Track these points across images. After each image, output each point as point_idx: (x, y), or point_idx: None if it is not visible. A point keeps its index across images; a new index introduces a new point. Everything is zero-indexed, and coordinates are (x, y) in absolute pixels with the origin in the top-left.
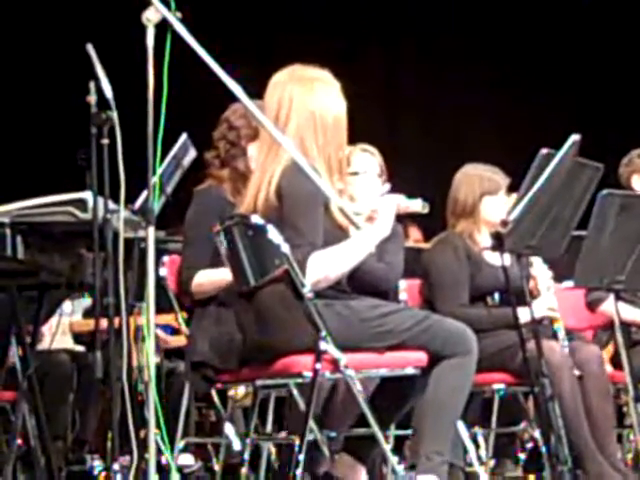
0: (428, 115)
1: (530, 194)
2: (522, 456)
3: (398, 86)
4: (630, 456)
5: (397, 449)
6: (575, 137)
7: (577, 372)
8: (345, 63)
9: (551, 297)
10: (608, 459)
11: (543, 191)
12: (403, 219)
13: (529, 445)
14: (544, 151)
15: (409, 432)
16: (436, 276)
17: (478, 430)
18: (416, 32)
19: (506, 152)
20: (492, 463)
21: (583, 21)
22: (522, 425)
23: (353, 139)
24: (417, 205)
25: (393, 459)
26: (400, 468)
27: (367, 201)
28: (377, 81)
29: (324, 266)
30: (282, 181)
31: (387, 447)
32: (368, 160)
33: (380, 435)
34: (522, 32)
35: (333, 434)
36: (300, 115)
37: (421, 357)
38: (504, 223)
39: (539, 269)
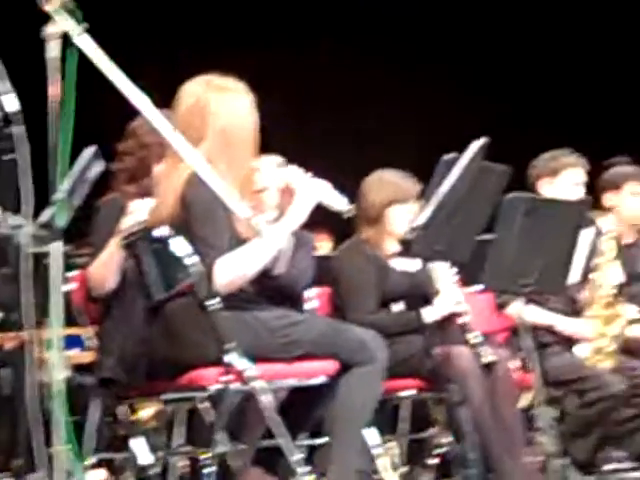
0: (341, 119)
1: (436, 199)
2: (434, 462)
3: (311, 91)
4: (540, 459)
5: (311, 458)
6: (481, 141)
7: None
8: (255, 70)
9: (456, 291)
10: (517, 463)
11: (450, 196)
12: (313, 226)
13: (440, 451)
14: (447, 156)
15: (321, 441)
16: (344, 283)
17: (389, 437)
18: (332, 33)
19: (421, 157)
20: (404, 470)
21: (493, 26)
22: (432, 431)
23: (263, 149)
24: (342, 203)
25: (301, 469)
26: (311, 478)
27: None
28: (289, 86)
29: (234, 268)
30: (186, 190)
31: (295, 458)
32: (277, 173)
33: (287, 446)
34: (438, 36)
35: (242, 446)
36: (214, 129)
37: (329, 366)
38: (411, 228)
39: (441, 268)
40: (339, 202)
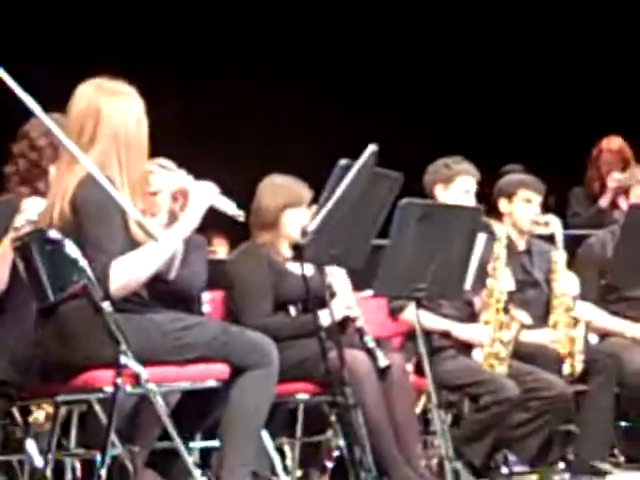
0: (231, 125)
1: (329, 204)
2: (329, 465)
3: (201, 95)
4: (435, 462)
5: (206, 461)
6: (372, 147)
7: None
8: (140, 76)
9: (348, 296)
10: (413, 466)
11: (342, 201)
12: (208, 230)
13: (335, 454)
14: (343, 161)
15: (216, 444)
16: (239, 287)
17: (284, 440)
18: (222, 41)
19: (313, 163)
20: (299, 473)
21: (384, 35)
22: (328, 435)
23: (153, 154)
24: (231, 208)
25: (196, 472)
26: None
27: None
28: (179, 92)
29: (128, 271)
30: (76, 193)
31: (190, 460)
32: (177, 175)
33: (182, 448)
34: (330, 43)
35: (136, 448)
36: (106, 132)
37: (223, 369)
38: (304, 233)
39: (335, 273)
40: (229, 206)
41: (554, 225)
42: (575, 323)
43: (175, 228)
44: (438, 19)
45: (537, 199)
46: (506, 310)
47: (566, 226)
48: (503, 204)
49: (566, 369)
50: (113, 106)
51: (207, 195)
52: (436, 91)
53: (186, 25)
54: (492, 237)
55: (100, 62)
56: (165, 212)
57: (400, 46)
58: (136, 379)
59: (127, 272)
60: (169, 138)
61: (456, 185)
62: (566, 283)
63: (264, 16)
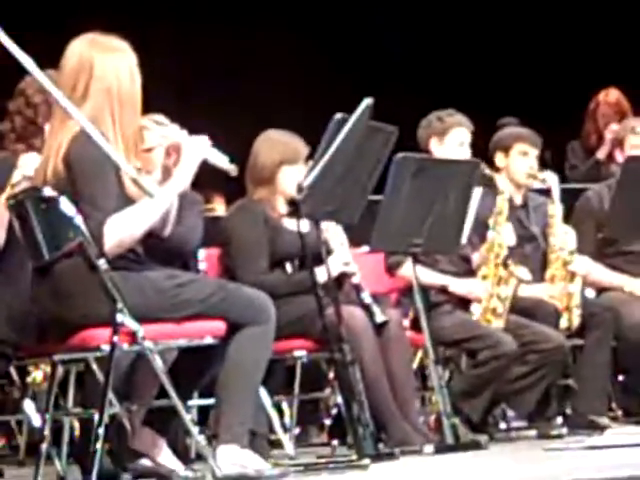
0: (226, 81)
1: (324, 159)
2: (327, 422)
3: (192, 52)
4: (433, 418)
5: (203, 419)
6: (367, 101)
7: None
8: (135, 32)
9: (345, 252)
10: (410, 422)
11: (337, 156)
12: (205, 188)
13: (334, 411)
14: (338, 116)
15: (214, 401)
16: (235, 244)
17: (282, 398)
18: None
19: (307, 118)
20: (297, 430)
21: None
22: (326, 392)
23: (147, 110)
24: (224, 162)
25: (194, 430)
26: (202, 438)
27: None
28: (169, 48)
29: (123, 228)
30: (70, 150)
31: (187, 418)
32: (169, 129)
33: (180, 406)
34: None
35: (134, 407)
36: (99, 88)
37: (219, 326)
38: (299, 189)
39: (330, 229)
40: (222, 160)
41: (551, 180)
42: (572, 277)
43: (169, 184)
44: None
45: (534, 152)
46: (505, 265)
47: (564, 179)
48: (499, 158)
49: (563, 323)
50: (106, 61)
51: (200, 149)
52: (431, 44)
53: None
54: (494, 191)
55: (94, 17)
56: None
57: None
58: (133, 337)
59: (122, 229)
60: (164, 93)
61: (450, 138)
62: (563, 237)
63: None
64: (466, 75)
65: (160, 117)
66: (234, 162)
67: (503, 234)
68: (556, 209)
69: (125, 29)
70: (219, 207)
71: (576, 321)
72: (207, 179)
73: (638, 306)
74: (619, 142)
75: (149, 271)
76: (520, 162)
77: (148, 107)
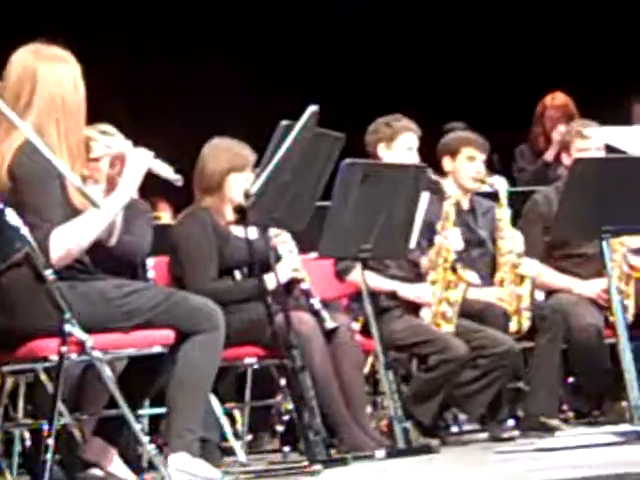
0: (169, 88)
1: (271, 166)
2: (279, 428)
3: (141, 62)
4: (384, 422)
5: (155, 428)
6: (313, 108)
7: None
8: (86, 44)
9: (294, 258)
10: (362, 427)
11: (284, 163)
12: (153, 196)
13: (285, 418)
14: (284, 123)
15: (164, 410)
16: (184, 252)
17: (233, 405)
18: (161, 10)
19: (254, 126)
20: (249, 437)
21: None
22: (277, 398)
23: (93, 119)
24: (169, 172)
25: (144, 439)
26: (152, 447)
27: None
28: (118, 59)
29: (69, 239)
30: (14, 160)
31: (138, 427)
32: (114, 140)
33: (130, 416)
34: (269, 8)
35: (84, 417)
36: (43, 97)
37: (168, 335)
38: (247, 196)
39: (279, 235)
40: (167, 170)
41: (498, 184)
42: (521, 280)
43: (114, 194)
44: None
45: (481, 157)
46: (453, 270)
47: (512, 183)
48: (446, 162)
49: (513, 326)
50: (49, 71)
51: (144, 160)
52: (376, 48)
53: None
54: (441, 196)
55: (39, 26)
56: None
57: (341, 7)
58: (81, 347)
59: (68, 240)
60: (111, 102)
61: (398, 143)
62: (511, 240)
63: None
64: (413, 80)
65: (108, 127)
66: (181, 171)
67: (450, 239)
68: (503, 212)
69: (69, 37)
70: (165, 215)
71: (526, 324)
72: (154, 187)
73: (587, 308)
74: (566, 145)
75: (97, 281)
76: (467, 166)
77: (98, 118)
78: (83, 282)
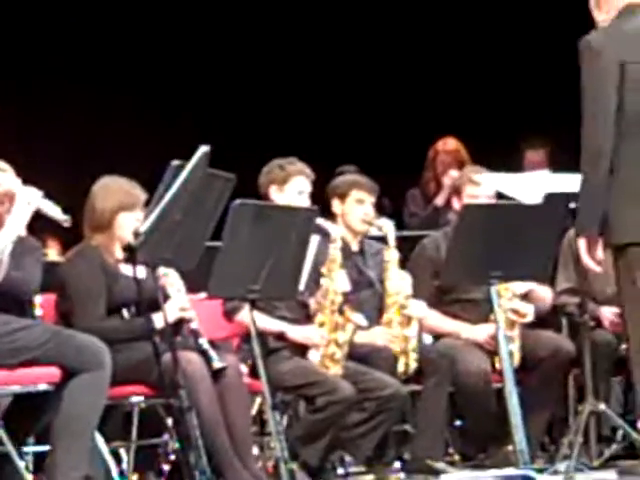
0: (61, 126)
1: (161, 205)
2: (166, 468)
3: (29, 93)
4: (271, 463)
5: (40, 466)
6: (204, 148)
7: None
8: None
9: (182, 298)
10: (248, 468)
11: (174, 202)
12: (42, 233)
13: (172, 457)
14: (175, 162)
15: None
16: (71, 289)
17: (119, 444)
18: (54, 46)
19: (145, 165)
20: (135, 477)
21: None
22: (164, 437)
23: None
24: (57, 212)
25: (27, 477)
26: None
27: None
28: (12, 95)
29: None
30: None
31: (21, 464)
32: (2, 177)
33: (14, 453)
34: (157, 49)
35: None
36: None
37: (54, 372)
38: (136, 235)
39: (168, 275)
40: (55, 211)
41: (387, 227)
42: (408, 321)
43: (1, 232)
44: (264, 19)
45: (370, 199)
46: (341, 311)
47: (402, 227)
48: (336, 204)
49: (400, 367)
50: None
51: (32, 199)
52: (270, 91)
53: (17, 29)
54: (327, 238)
55: None
56: None
57: (233, 47)
58: None
59: None
60: (4, 139)
61: (291, 186)
62: (399, 282)
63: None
64: (305, 123)
65: (0, 162)
66: (71, 208)
67: (337, 281)
68: (391, 254)
69: None
70: (52, 252)
71: (413, 365)
72: (42, 224)
73: (473, 352)
74: (457, 190)
75: None
76: (356, 209)
77: None
78: None
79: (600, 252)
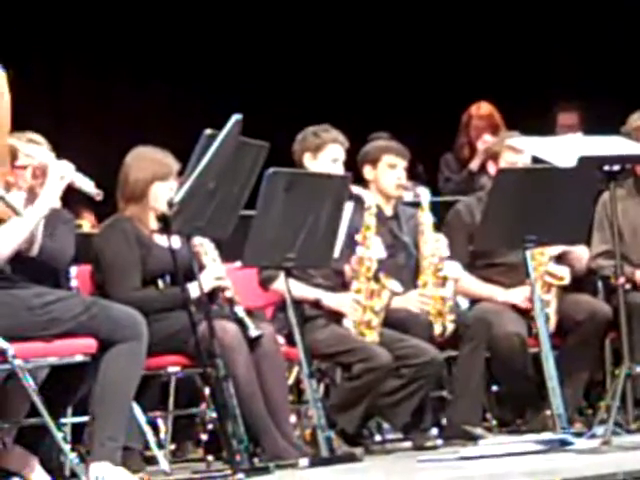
0: (95, 98)
1: (194, 175)
2: (203, 437)
3: (63, 68)
4: (308, 431)
5: (79, 436)
6: (236, 116)
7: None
8: (10, 51)
9: (218, 267)
10: (285, 436)
11: (208, 171)
12: (76, 205)
13: (209, 427)
14: (207, 131)
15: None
16: (106, 261)
17: (156, 414)
18: (83, 26)
19: (177, 135)
20: (172, 446)
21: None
22: (201, 407)
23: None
24: (89, 186)
25: (66, 448)
26: (74, 456)
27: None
28: (45, 71)
29: None
30: None
31: (59, 436)
32: (36, 151)
33: (52, 424)
34: (183, 20)
35: (5, 425)
36: None
37: (90, 344)
38: (170, 205)
39: (202, 244)
40: (87, 184)
41: (422, 194)
42: (444, 283)
43: (35, 204)
44: None
45: (402, 164)
46: (377, 278)
47: (437, 192)
48: (367, 170)
49: (437, 329)
50: None
51: (65, 173)
52: (303, 59)
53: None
54: (360, 205)
55: None
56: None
57: (262, 14)
58: (2, 356)
59: None
60: (38, 112)
61: (325, 154)
62: (434, 244)
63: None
64: (339, 90)
65: (35, 136)
66: (104, 181)
67: (372, 248)
68: (425, 217)
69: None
70: (86, 224)
71: (450, 327)
72: (77, 195)
73: (509, 317)
74: (494, 155)
75: (19, 289)
76: (388, 174)
77: (24, 127)
78: (4, 290)
79: None
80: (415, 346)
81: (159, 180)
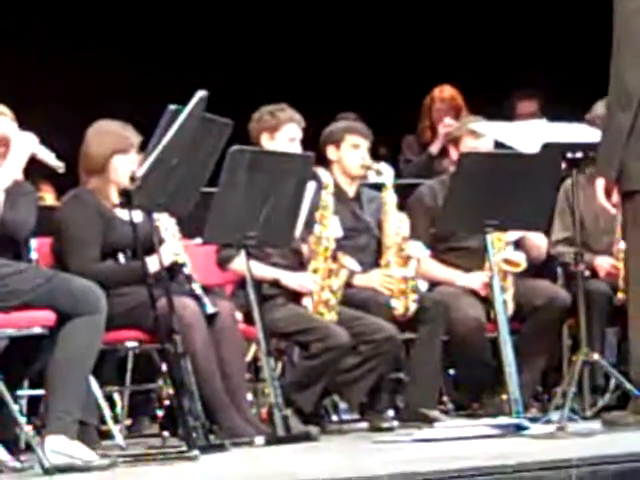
0: (60, 70)
1: (157, 150)
2: (159, 413)
3: (27, 40)
4: (265, 410)
5: (33, 409)
6: (201, 93)
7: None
8: None
9: (176, 243)
10: (242, 413)
11: (171, 147)
12: (36, 178)
13: (166, 402)
14: (172, 107)
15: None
16: (66, 233)
17: (113, 388)
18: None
19: (142, 109)
20: (128, 421)
21: None
22: (158, 383)
23: None
24: (52, 158)
25: (21, 420)
26: (29, 429)
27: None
28: (5, 42)
29: None
30: None
31: (15, 408)
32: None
33: (8, 396)
34: None
35: None
36: None
37: (49, 316)
38: (132, 179)
39: (163, 220)
40: (49, 156)
41: (385, 172)
42: (406, 262)
43: None
44: None
45: (365, 144)
46: (334, 258)
47: (398, 175)
48: (331, 151)
49: (399, 308)
50: None
51: (28, 145)
52: (268, 36)
53: None
54: (320, 184)
55: None
56: None
57: None
58: None
59: None
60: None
61: (282, 133)
62: (397, 223)
63: None
64: (303, 69)
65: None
66: (65, 154)
67: (329, 227)
68: (389, 196)
69: None
70: (48, 197)
71: (412, 307)
72: (39, 169)
73: (468, 300)
74: (454, 139)
75: None
76: (352, 154)
77: None
78: None
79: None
80: (373, 323)
81: (119, 153)
